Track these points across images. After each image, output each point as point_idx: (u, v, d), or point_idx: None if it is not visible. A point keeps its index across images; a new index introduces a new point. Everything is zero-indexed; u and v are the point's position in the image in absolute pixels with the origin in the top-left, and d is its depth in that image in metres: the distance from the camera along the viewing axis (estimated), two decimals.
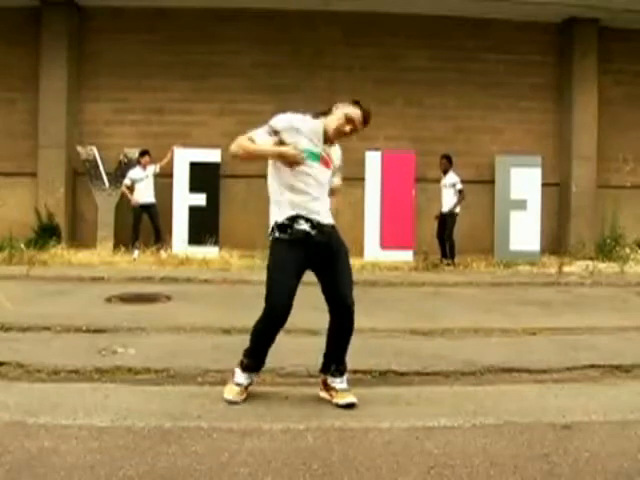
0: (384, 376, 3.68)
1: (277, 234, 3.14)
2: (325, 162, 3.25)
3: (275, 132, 3.15)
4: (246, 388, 3.24)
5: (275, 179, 3.22)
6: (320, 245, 3.14)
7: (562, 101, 10.66)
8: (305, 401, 3.22)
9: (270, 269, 3.16)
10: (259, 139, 3.15)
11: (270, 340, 3.20)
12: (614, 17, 10.19)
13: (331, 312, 3.23)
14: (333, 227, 3.27)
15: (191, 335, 4.65)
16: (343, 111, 3.21)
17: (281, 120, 3.17)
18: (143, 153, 9.47)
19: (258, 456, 2.50)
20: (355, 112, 3.21)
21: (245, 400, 3.20)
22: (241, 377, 3.24)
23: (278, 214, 3.17)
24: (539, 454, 2.56)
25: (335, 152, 3.36)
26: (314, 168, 3.18)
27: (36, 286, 6.72)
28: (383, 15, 10.22)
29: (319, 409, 3.09)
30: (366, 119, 3.25)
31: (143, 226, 9.42)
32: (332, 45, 10.22)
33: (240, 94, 9.99)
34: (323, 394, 3.30)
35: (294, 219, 3.12)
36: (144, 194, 9.39)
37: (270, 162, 3.24)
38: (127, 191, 9.42)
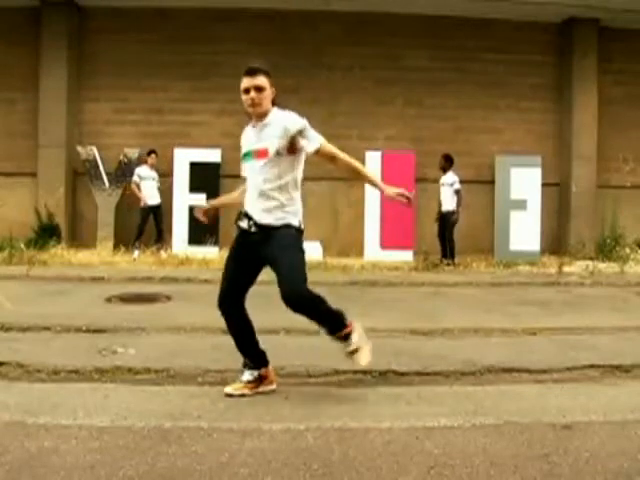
0: (384, 376, 3.67)
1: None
2: (258, 153, 3.17)
3: None
4: (250, 383, 3.28)
5: None
6: (256, 244, 3.16)
7: (562, 101, 10.66)
8: (305, 401, 3.22)
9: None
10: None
11: (234, 333, 3.27)
12: (614, 17, 10.19)
13: None
14: (274, 227, 3.13)
15: (191, 335, 4.65)
16: None
17: None
18: (150, 152, 9.47)
19: (258, 456, 2.50)
20: (242, 81, 3.21)
21: (250, 396, 3.23)
22: (243, 375, 3.32)
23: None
24: (539, 454, 2.56)
25: (274, 126, 3.15)
26: (248, 169, 3.24)
27: (36, 286, 6.72)
28: (383, 15, 10.23)
29: (319, 409, 3.09)
30: (248, 72, 3.18)
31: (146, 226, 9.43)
32: (332, 45, 10.23)
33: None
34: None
35: (240, 215, 3.25)
36: (152, 195, 9.40)
37: None
38: (137, 189, 9.31)
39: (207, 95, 10.09)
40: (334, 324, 3.14)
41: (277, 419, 2.92)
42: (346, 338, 3.15)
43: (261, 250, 3.14)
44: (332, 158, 3.23)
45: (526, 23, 10.47)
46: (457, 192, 8.86)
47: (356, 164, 3.29)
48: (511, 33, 10.49)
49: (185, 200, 9.71)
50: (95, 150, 9.77)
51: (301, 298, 3.01)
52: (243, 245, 3.22)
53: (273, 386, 3.33)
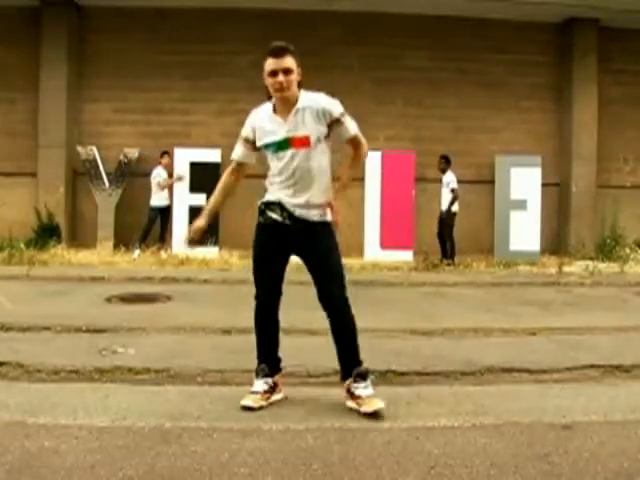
0: (384, 376, 3.67)
1: (258, 216, 3.15)
2: (301, 142, 2.96)
3: (245, 140, 3.16)
4: (266, 393, 3.10)
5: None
6: (294, 236, 3.03)
7: (562, 101, 10.66)
8: (305, 401, 3.21)
9: (253, 253, 3.17)
10: (235, 154, 3.23)
11: (266, 331, 3.15)
12: (614, 17, 10.19)
13: (323, 310, 3.17)
14: (320, 223, 3.05)
15: (191, 335, 4.65)
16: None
17: (244, 126, 3.17)
18: (163, 153, 9.51)
19: (258, 456, 2.50)
20: (266, 62, 2.96)
21: (268, 406, 3.07)
22: (256, 384, 3.13)
23: (264, 197, 3.14)
24: (539, 454, 2.56)
25: (311, 111, 3.00)
26: (285, 158, 2.99)
27: (36, 286, 6.72)
28: (383, 15, 10.23)
29: (319, 409, 3.09)
30: (273, 52, 2.94)
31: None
32: (332, 45, 10.22)
33: (240, 94, 9.96)
34: (350, 404, 3.03)
35: (268, 205, 3.08)
36: (163, 196, 9.45)
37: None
38: (166, 185, 9.45)
39: (207, 95, 10.10)
40: (355, 351, 3.10)
41: (277, 419, 2.92)
42: (364, 377, 3.03)
43: (297, 242, 3.05)
44: (357, 148, 3.12)
45: (526, 23, 10.46)
46: (452, 191, 8.85)
47: (357, 163, 3.26)
48: (511, 33, 10.49)
49: (185, 200, 9.72)
50: (95, 150, 9.76)
51: (341, 303, 3.08)
52: (279, 234, 3.04)
53: (281, 394, 3.18)
